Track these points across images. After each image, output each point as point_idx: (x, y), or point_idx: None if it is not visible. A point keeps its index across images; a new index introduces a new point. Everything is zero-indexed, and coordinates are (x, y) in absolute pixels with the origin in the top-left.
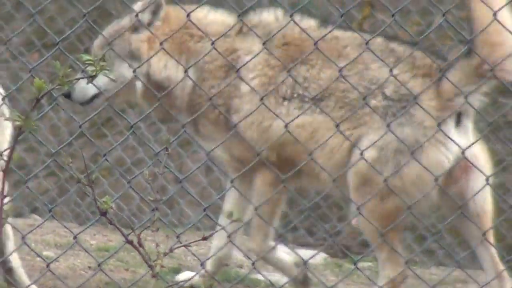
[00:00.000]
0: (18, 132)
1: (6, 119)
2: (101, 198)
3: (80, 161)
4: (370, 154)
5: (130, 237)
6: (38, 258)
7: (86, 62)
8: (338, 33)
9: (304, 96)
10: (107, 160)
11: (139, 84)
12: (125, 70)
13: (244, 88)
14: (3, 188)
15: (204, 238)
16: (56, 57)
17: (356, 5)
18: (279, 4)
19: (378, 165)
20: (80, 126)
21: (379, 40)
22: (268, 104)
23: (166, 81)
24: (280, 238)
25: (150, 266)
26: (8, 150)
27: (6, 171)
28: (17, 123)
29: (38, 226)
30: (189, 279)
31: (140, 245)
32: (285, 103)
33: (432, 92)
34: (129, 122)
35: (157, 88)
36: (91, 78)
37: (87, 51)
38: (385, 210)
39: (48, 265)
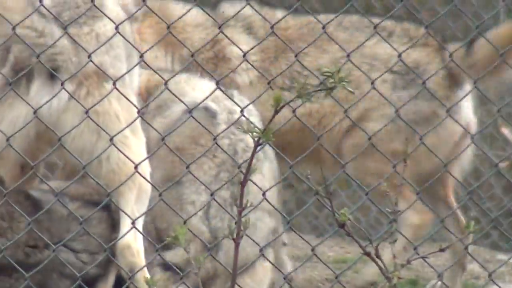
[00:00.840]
0: (256, 144)
1: (244, 131)
2: (338, 210)
3: (318, 173)
4: (376, 126)
5: (367, 249)
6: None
7: (324, 74)
8: (310, 17)
9: (307, 84)
10: (344, 172)
11: None
12: None
13: (240, 80)
14: (241, 200)
15: (441, 250)
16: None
17: None
18: None
19: (387, 135)
20: (318, 138)
21: (355, 18)
22: (268, 96)
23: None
24: None
25: (387, 278)
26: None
27: (245, 183)
28: (255, 134)
29: (276, 238)
30: None
31: (378, 256)
32: (285, 93)
33: (439, 62)
34: (365, 133)
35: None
36: (330, 90)
37: None
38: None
39: (285, 278)
